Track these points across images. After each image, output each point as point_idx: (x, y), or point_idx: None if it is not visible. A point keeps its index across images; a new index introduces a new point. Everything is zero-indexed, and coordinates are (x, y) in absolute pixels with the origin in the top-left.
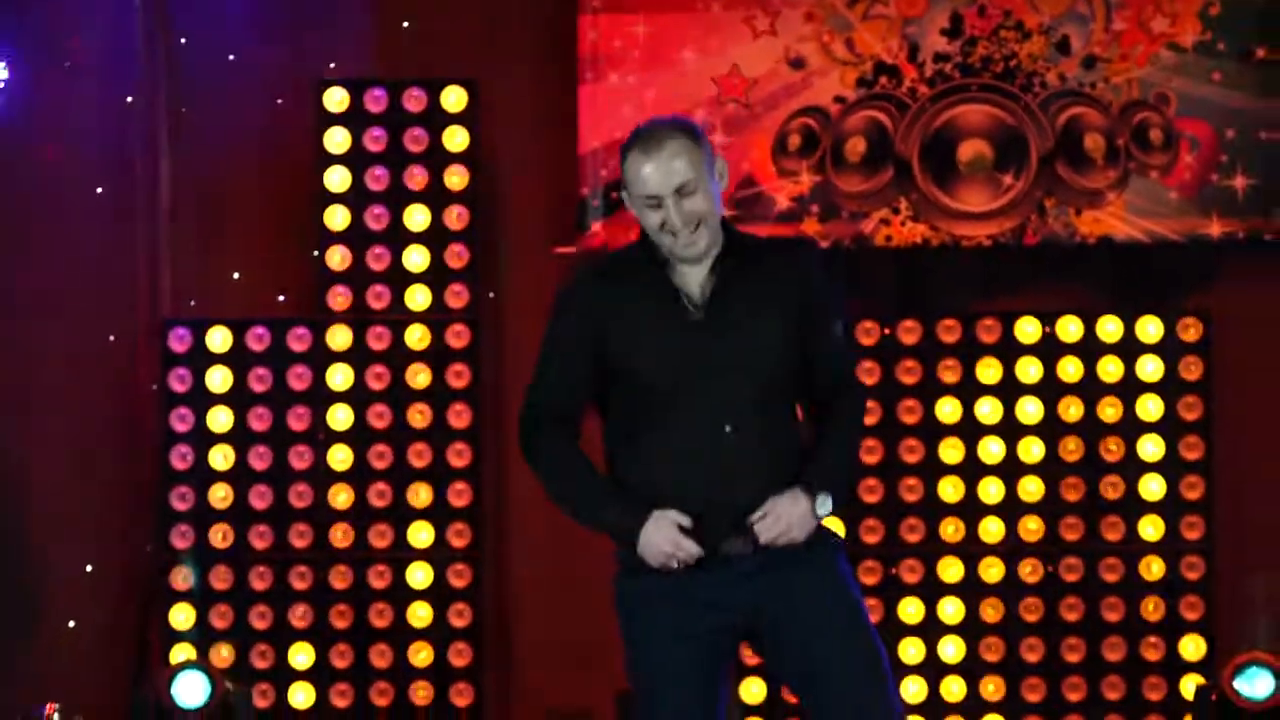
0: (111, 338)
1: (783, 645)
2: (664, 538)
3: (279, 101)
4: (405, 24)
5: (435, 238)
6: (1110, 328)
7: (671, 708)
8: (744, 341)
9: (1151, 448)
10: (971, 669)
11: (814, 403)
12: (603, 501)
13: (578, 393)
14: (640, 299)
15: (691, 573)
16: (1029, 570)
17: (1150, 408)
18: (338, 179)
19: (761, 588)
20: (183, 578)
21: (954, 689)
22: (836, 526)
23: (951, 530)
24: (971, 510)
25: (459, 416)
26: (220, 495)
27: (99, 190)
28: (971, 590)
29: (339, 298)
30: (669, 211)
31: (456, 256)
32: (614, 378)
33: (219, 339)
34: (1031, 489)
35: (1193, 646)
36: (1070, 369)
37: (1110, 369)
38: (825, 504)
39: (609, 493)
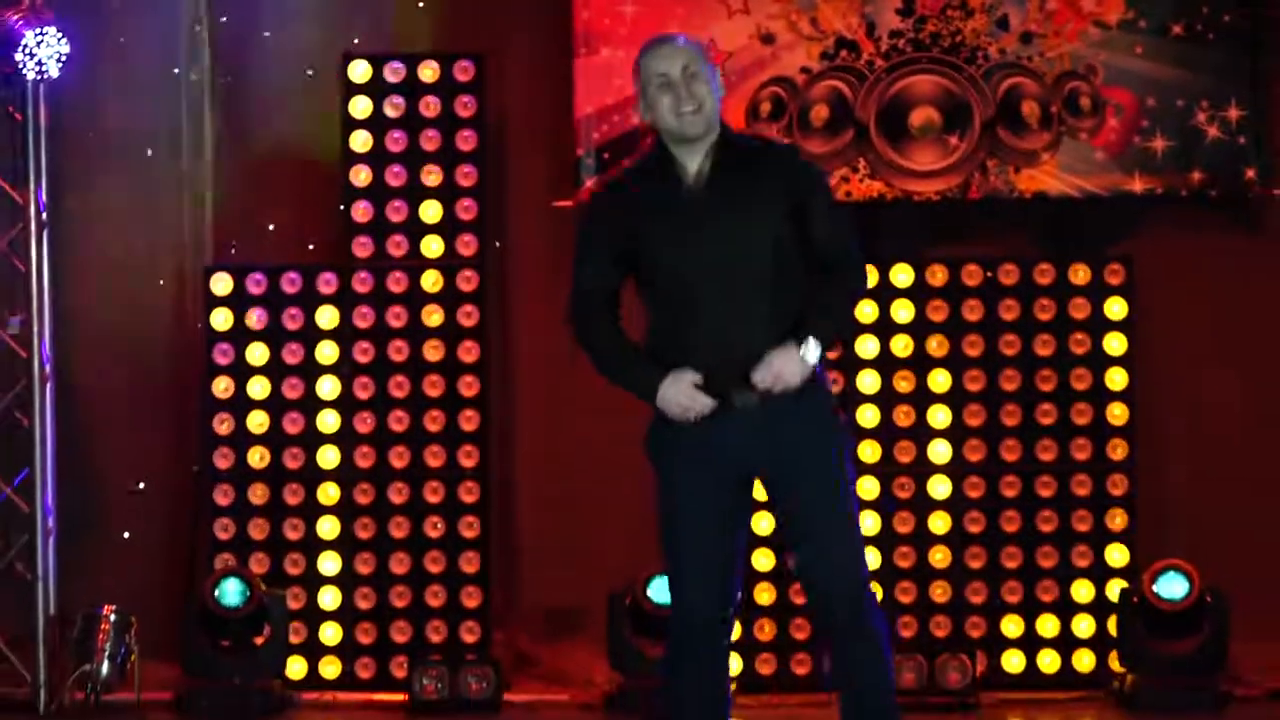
0: (162, 281)
1: (777, 488)
2: (680, 393)
3: (309, 73)
4: (420, 4)
5: (448, 193)
6: (1044, 273)
7: (689, 532)
8: (738, 215)
9: (1081, 379)
10: (923, 574)
11: (817, 276)
12: (629, 366)
13: (609, 277)
14: (647, 189)
15: (709, 424)
16: (973, 487)
17: (1080, 343)
18: (361, 141)
19: (766, 439)
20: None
21: (907, 591)
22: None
23: (904, 452)
24: (922, 434)
25: (468, 352)
26: (257, 421)
27: (149, 152)
28: (921, 505)
29: (362, 246)
30: (679, 88)
31: (466, 210)
32: (636, 258)
33: (256, 283)
34: (975, 415)
35: (1117, 554)
36: (1009, 309)
37: (1044, 309)
38: (811, 350)
39: (634, 359)
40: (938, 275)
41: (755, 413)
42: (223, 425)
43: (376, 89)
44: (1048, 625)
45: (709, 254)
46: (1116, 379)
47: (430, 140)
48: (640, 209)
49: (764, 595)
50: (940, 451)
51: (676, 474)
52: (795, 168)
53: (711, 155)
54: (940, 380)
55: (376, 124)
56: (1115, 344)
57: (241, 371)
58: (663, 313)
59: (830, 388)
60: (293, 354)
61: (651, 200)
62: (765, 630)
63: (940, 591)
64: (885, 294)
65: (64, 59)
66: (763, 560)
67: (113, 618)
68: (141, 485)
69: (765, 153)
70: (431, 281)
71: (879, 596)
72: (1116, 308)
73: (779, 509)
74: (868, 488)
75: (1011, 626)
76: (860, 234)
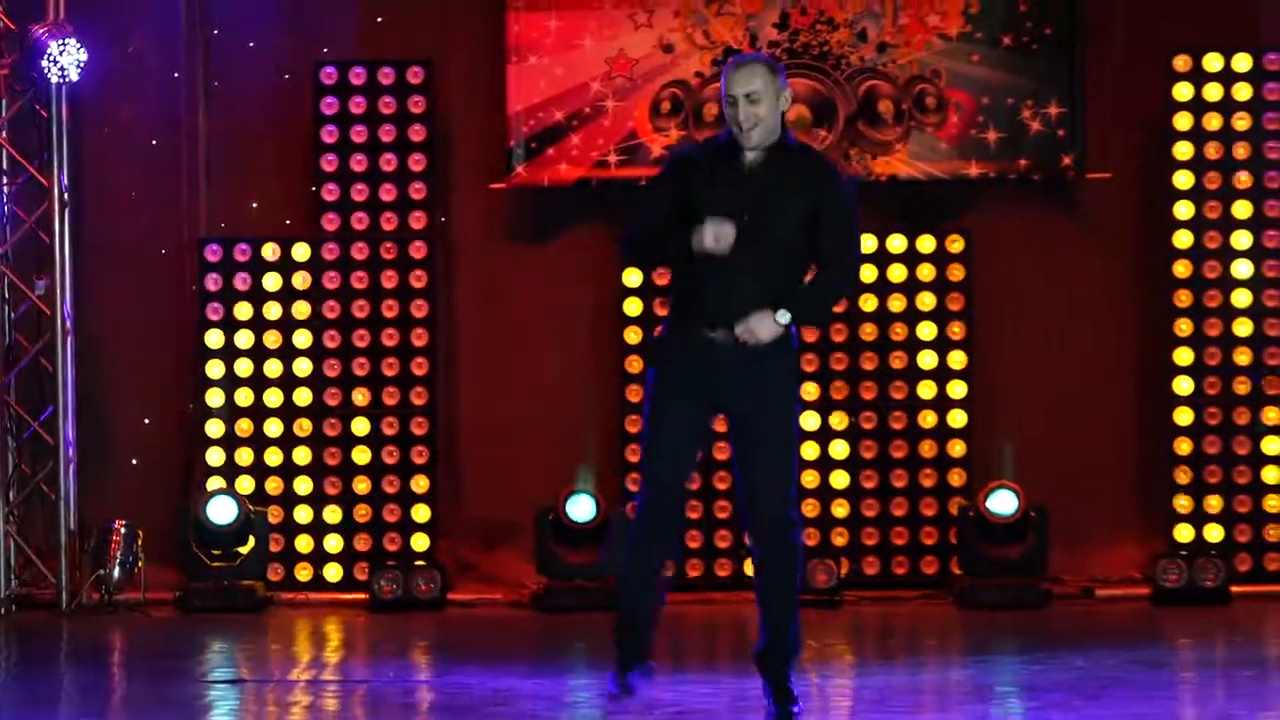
0: (163, 251)
1: (737, 421)
2: (709, 227)
3: (286, 77)
4: (379, 20)
5: (401, 177)
6: (897, 242)
7: (666, 427)
8: (772, 205)
9: (927, 331)
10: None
11: (816, 267)
12: (668, 237)
13: (666, 218)
14: (711, 163)
15: (698, 358)
16: (837, 420)
17: (926, 301)
18: (329, 134)
19: (737, 381)
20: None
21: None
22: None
23: None
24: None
25: (419, 309)
26: (243, 367)
27: (153, 142)
28: None
29: (330, 221)
30: (739, 107)
31: (416, 191)
32: (687, 212)
33: (242, 252)
34: (839, 361)
35: (957, 477)
36: (868, 273)
37: (897, 273)
38: (783, 315)
39: (669, 235)
40: None
41: (731, 359)
42: (214, 370)
43: (342, 90)
44: (899, 536)
45: (740, 228)
46: (956, 330)
47: (387, 133)
48: (702, 177)
49: (693, 512)
50: (809, 390)
51: (665, 383)
52: (826, 180)
53: (766, 153)
54: (810, 331)
55: (342, 119)
56: (956, 302)
57: (230, 325)
58: (689, 260)
59: (796, 353)
60: (272, 311)
61: (712, 174)
62: (694, 539)
63: (810, 507)
64: None
65: (82, 65)
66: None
67: (123, 531)
68: (147, 420)
69: (807, 161)
70: (387, 250)
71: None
72: (957, 271)
73: (735, 438)
74: None
75: (869, 537)
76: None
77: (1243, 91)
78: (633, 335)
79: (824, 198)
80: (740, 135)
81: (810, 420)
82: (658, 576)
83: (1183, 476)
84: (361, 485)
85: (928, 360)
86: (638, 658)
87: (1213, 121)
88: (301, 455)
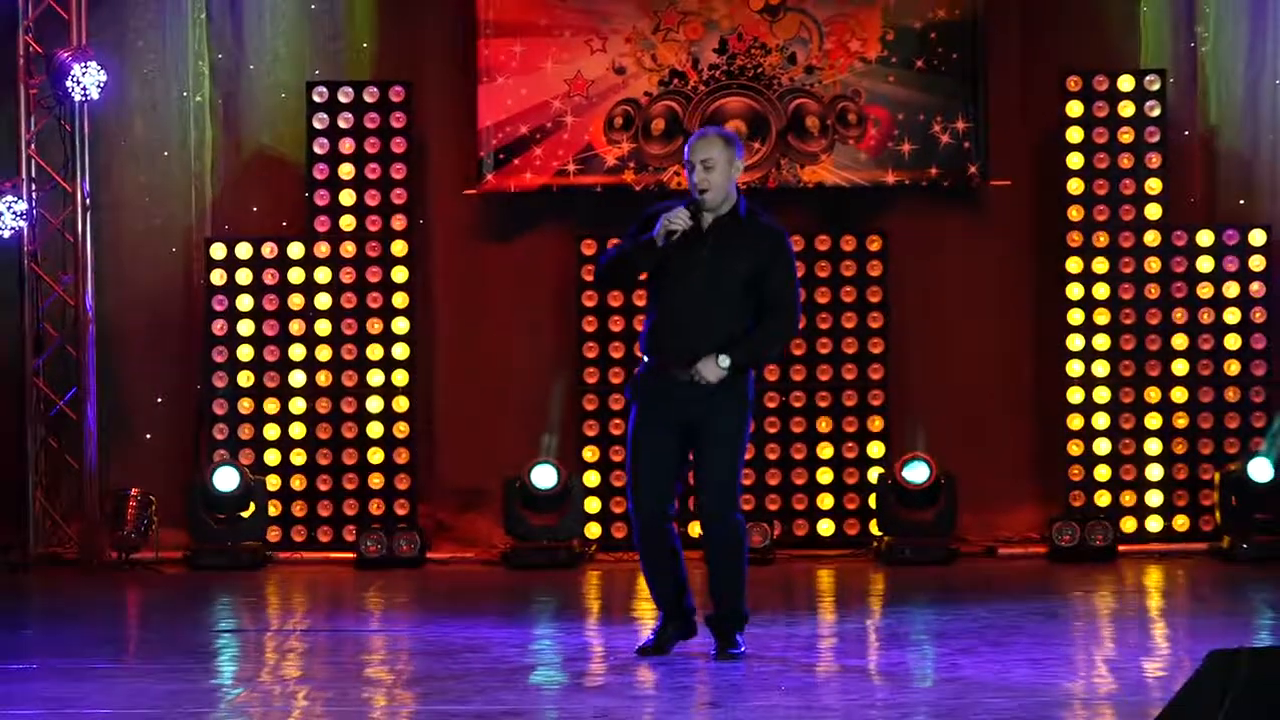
0: (174, 249)
1: (695, 439)
2: (668, 217)
3: (282, 96)
4: (364, 45)
5: (384, 184)
6: (823, 241)
7: (644, 454)
8: (721, 266)
9: (849, 320)
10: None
11: (757, 320)
12: (637, 244)
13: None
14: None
15: (665, 389)
16: (770, 399)
17: (849, 294)
18: (320, 146)
19: (696, 406)
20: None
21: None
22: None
23: None
24: None
25: (401, 301)
26: (244, 352)
27: (165, 153)
28: None
29: (322, 223)
30: (696, 172)
31: (398, 196)
32: (651, 265)
33: (243, 250)
34: None
35: (876, 448)
36: (797, 269)
37: (823, 269)
38: (725, 360)
39: (636, 241)
40: None
41: (691, 388)
42: (219, 355)
43: (332, 107)
44: (825, 501)
45: (696, 283)
46: (876, 320)
47: (372, 145)
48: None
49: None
50: None
51: (642, 416)
52: (771, 246)
53: (722, 220)
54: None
55: (332, 133)
56: (875, 295)
57: (233, 315)
58: (659, 305)
59: (750, 385)
60: (270, 303)
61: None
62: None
63: (746, 477)
64: None
65: (102, 86)
66: None
67: (138, 498)
68: (159, 400)
69: (755, 229)
70: (372, 248)
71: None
72: (876, 268)
73: (695, 452)
74: None
75: (799, 502)
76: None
77: (1127, 108)
78: (589, 324)
79: (768, 261)
80: (697, 196)
81: None
82: (671, 568)
83: (1075, 448)
84: (349, 457)
85: (850, 346)
86: (673, 621)
87: (1101, 135)
88: (296, 430)
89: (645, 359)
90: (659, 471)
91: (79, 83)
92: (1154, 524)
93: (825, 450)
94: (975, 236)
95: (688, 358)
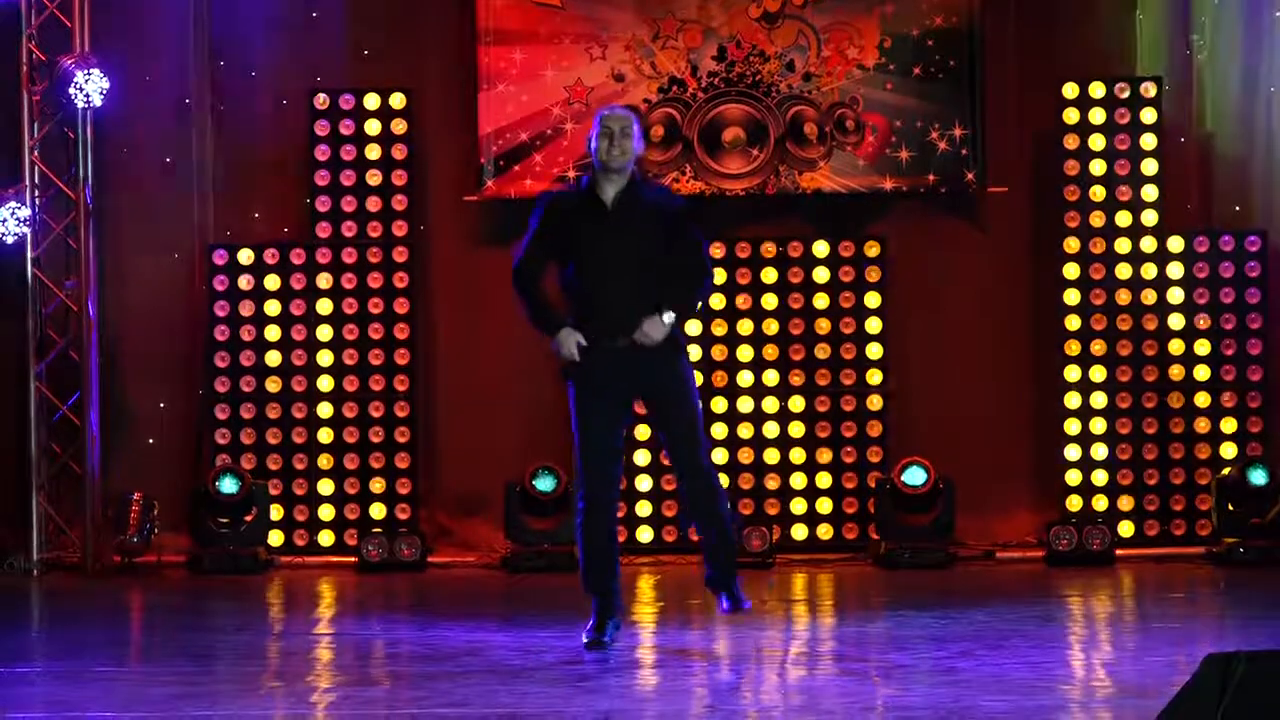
0: (176, 255)
1: (651, 408)
2: (565, 341)
3: (284, 102)
4: (365, 52)
5: (385, 190)
6: (821, 248)
7: (594, 445)
8: (633, 232)
9: (848, 325)
10: (733, 467)
11: (672, 268)
12: (546, 315)
13: (542, 260)
14: (578, 205)
15: (603, 363)
16: (769, 404)
17: (847, 299)
18: (321, 153)
19: (639, 375)
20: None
21: (722, 481)
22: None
23: (718, 379)
24: (732, 366)
25: (402, 306)
26: (246, 357)
27: (167, 159)
28: (731, 417)
29: (323, 229)
30: (614, 138)
31: (399, 202)
32: (562, 249)
33: (245, 256)
34: (771, 352)
35: (875, 453)
36: (795, 274)
37: (821, 275)
38: (669, 316)
39: (550, 311)
40: (744, 249)
41: (634, 358)
42: (221, 360)
43: (333, 114)
44: (824, 505)
45: (611, 253)
46: (874, 325)
47: (373, 151)
48: (572, 219)
49: (643, 482)
50: (746, 378)
51: (584, 392)
52: (671, 208)
53: (623, 190)
54: (745, 326)
55: (333, 140)
56: (873, 300)
57: (234, 321)
58: (578, 285)
59: (684, 342)
60: (272, 308)
61: (581, 214)
62: (645, 508)
63: (745, 480)
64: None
65: (105, 92)
66: (641, 458)
67: (141, 502)
68: (162, 404)
69: (655, 194)
70: (373, 254)
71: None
72: (874, 274)
73: (656, 416)
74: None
75: (798, 506)
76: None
77: (1123, 115)
78: None
79: (672, 222)
80: (610, 160)
81: (745, 404)
82: (610, 553)
83: (1072, 453)
84: (351, 461)
85: (848, 352)
86: (609, 615)
87: (1097, 141)
88: (298, 435)
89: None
90: (607, 457)
91: (82, 89)
92: (1151, 528)
93: (824, 455)
94: (972, 242)
95: (623, 326)
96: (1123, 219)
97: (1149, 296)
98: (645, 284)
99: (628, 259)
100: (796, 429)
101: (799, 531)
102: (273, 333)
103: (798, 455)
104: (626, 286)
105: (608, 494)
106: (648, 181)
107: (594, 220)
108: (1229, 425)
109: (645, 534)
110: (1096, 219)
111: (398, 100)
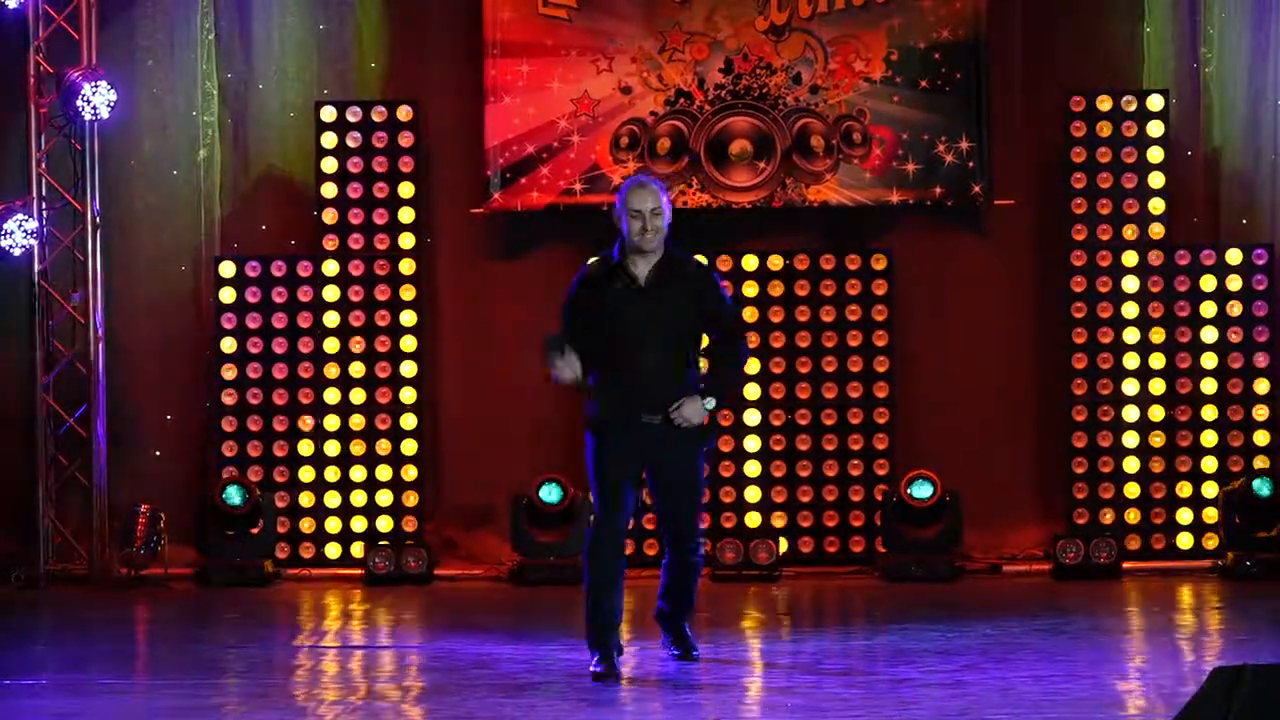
0: (183, 268)
1: (658, 477)
2: (558, 376)
3: (291, 115)
4: (372, 64)
5: (392, 203)
6: (827, 260)
7: (609, 482)
8: (665, 311)
9: (855, 338)
10: (739, 480)
11: (710, 350)
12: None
13: (575, 337)
14: (610, 283)
15: (631, 428)
16: (775, 417)
17: (854, 312)
18: (329, 165)
19: (658, 442)
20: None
21: (729, 493)
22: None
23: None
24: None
25: (408, 319)
26: (253, 369)
27: (174, 172)
28: (738, 430)
29: (330, 241)
30: (646, 220)
31: (406, 215)
32: (595, 328)
33: (253, 268)
34: (777, 365)
35: (881, 466)
36: (802, 287)
37: (828, 287)
38: (711, 402)
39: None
40: (751, 262)
41: (661, 433)
42: (228, 372)
43: (340, 126)
44: (831, 519)
45: (644, 331)
46: (881, 338)
47: (380, 164)
48: (605, 297)
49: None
50: (751, 391)
51: (605, 448)
52: (704, 281)
53: (655, 266)
54: (752, 339)
55: (340, 152)
56: (880, 313)
57: (242, 333)
58: (610, 360)
59: (717, 430)
60: (279, 321)
61: (614, 293)
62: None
63: (751, 493)
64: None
65: (112, 105)
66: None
67: (148, 514)
68: (169, 417)
69: (687, 268)
70: (380, 267)
71: (705, 545)
72: (880, 286)
73: (657, 481)
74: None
75: (804, 519)
76: (679, 241)
77: (1130, 128)
78: None
79: (705, 296)
80: (642, 243)
81: (752, 417)
82: (619, 580)
83: (1079, 466)
84: (357, 474)
85: (855, 365)
86: (615, 645)
87: (1104, 155)
88: (305, 447)
89: (605, 405)
90: (625, 496)
91: (89, 102)
92: (1159, 542)
93: (831, 468)
94: (979, 255)
95: (658, 403)
96: (1129, 232)
97: (1155, 310)
98: (679, 358)
99: (662, 334)
100: (803, 441)
101: (806, 544)
102: (279, 345)
103: (804, 468)
104: (660, 361)
105: (622, 524)
106: (679, 253)
107: (627, 298)
108: (1236, 438)
109: (653, 549)
110: (1103, 232)
111: (404, 113)
